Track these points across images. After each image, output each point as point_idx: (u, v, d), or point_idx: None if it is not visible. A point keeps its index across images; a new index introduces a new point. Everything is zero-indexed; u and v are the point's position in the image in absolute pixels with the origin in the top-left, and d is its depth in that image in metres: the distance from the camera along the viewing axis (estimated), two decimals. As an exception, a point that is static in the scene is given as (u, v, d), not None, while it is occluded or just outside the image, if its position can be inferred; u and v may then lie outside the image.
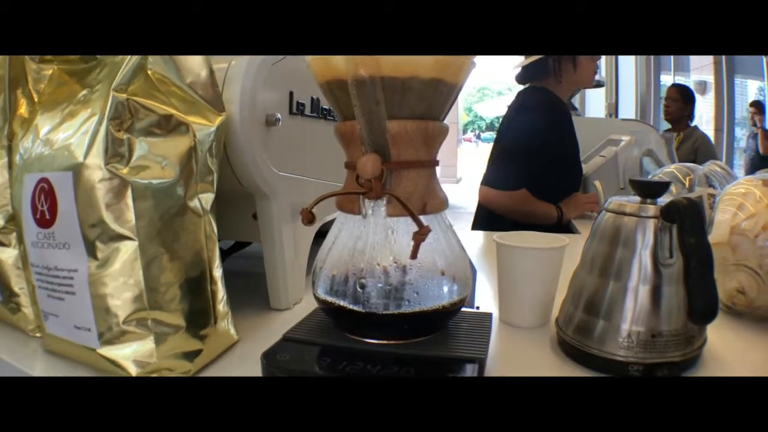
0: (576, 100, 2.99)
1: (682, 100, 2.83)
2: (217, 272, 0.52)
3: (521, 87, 1.60)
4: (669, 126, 2.94)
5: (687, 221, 0.44)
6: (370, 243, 0.46)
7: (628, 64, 6.73)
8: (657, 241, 0.47)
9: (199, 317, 0.50)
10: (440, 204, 0.47)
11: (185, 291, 0.48)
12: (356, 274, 0.45)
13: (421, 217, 0.43)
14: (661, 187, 0.49)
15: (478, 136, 29.83)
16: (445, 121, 0.48)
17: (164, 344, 0.47)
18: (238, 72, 0.59)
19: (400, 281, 0.45)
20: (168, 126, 0.47)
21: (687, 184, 0.76)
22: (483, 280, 0.82)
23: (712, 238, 0.62)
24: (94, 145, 0.44)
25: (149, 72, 0.48)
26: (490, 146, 1.65)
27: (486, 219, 1.52)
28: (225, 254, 0.83)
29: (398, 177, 0.44)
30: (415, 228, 0.42)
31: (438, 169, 0.49)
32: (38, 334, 0.58)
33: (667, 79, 6.23)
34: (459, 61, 0.44)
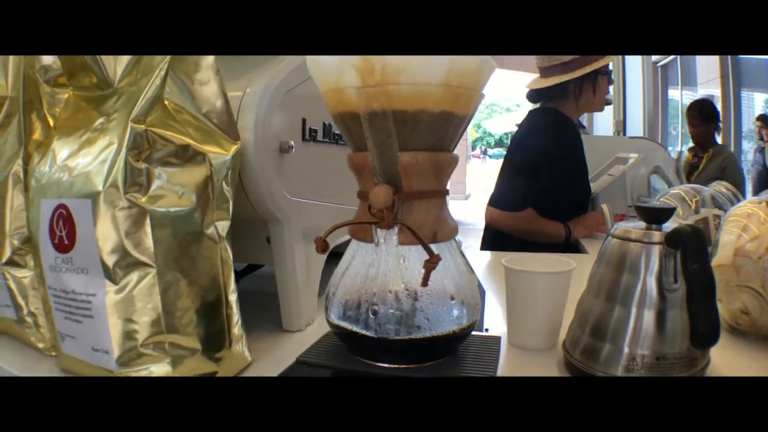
0: (584, 118, 2.99)
1: (703, 122, 2.75)
2: (232, 296, 0.53)
3: (530, 105, 1.62)
4: (690, 144, 2.90)
5: (690, 248, 0.45)
6: (382, 270, 0.47)
7: (635, 79, 6.74)
8: (662, 267, 0.48)
9: (215, 340, 0.51)
10: (450, 232, 0.48)
11: (201, 315, 0.50)
12: (368, 301, 0.47)
13: (432, 245, 0.44)
14: (666, 213, 0.50)
15: (485, 152, 29.86)
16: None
17: (180, 366, 0.49)
18: (252, 100, 0.61)
19: (411, 307, 0.46)
20: (185, 156, 0.49)
21: (693, 205, 0.77)
22: (492, 299, 0.83)
23: (716, 259, 0.63)
24: (113, 175, 0.45)
25: (166, 102, 0.50)
26: (497, 162, 1.67)
27: (493, 238, 1.54)
28: (239, 275, 0.85)
29: (409, 207, 0.46)
30: (426, 256, 0.43)
31: (448, 184, 0.50)
32: (53, 353, 0.59)
33: (674, 94, 6.23)
34: (468, 93, 0.46)
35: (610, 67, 1.56)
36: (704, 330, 0.44)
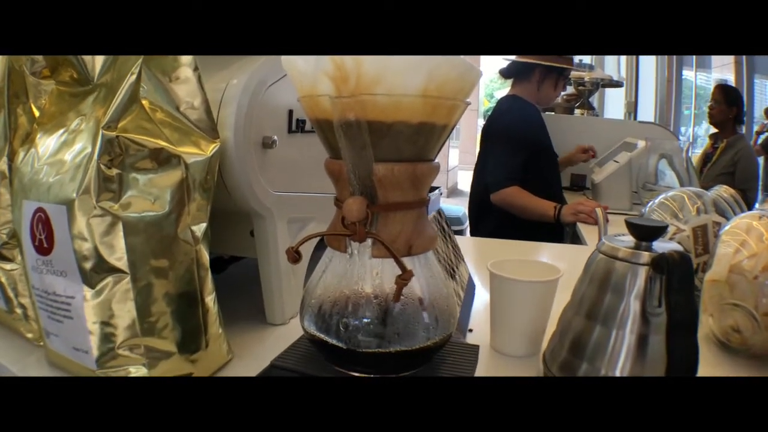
0: (594, 100, 2.92)
1: (725, 101, 2.67)
2: (209, 298, 0.53)
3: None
4: (713, 129, 2.83)
5: (675, 277, 0.43)
6: (355, 282, 0.46)
7: (648, 60, 6.49)
8: (647, 289, 0.46)
9: (190, 343, 0.51)
10: (427, 243, 0.47)
11: (176, 319, 0.50)
12: (340, 313, 0.46)
13: (407, 258, 0.43)
14: (657, 231, 0.49)
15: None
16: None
17: (156, 369, 0.49)
18: (235, 92, 0.59)
19: (382, 321, 0.46)
20: (159, 159, 0.48)
21: (694, 211, 0.75)
22: (482, 295, 0.82)
23: (711, 274, 0.61)
24: (86, 182, 0.45)
25: (142, 101, 0.49)
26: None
27: (481, 223, 1.74)
28: (226, 263, 0.85)
29: (384, 219, 0.44)
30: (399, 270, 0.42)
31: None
32: (41, 343, 0.60)
33: (688, 74, 6.04)
34: (449, 104, 0.44)
35: (570, 76, 1.88)
36: (679, 367, 0.43)
